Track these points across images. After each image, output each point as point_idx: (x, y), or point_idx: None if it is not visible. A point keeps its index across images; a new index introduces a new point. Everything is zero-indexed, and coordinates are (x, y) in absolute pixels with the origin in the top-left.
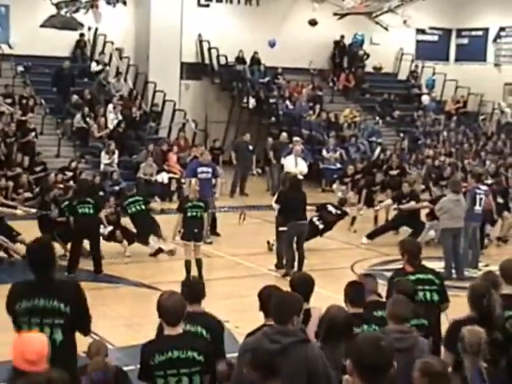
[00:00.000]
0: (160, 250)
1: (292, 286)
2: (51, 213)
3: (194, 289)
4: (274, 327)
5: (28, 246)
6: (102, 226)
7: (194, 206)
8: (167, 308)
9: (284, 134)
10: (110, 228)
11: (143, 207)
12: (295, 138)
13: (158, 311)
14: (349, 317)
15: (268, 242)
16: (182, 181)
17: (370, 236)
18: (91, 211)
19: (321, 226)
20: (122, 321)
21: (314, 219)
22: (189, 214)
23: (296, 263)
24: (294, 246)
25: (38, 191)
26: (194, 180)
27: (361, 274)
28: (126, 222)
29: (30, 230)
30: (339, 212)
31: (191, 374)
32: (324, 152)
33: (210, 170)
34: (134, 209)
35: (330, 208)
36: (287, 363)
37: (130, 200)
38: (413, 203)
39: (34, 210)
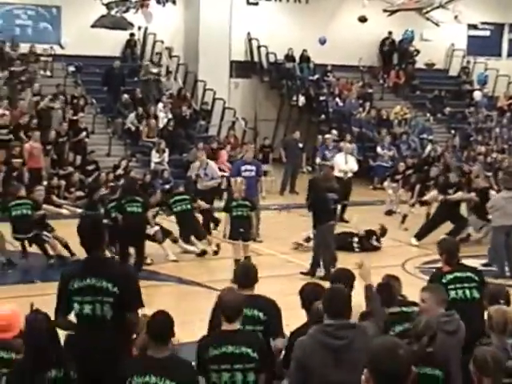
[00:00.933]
0: (204, 252)
1: (333, 281)
2: (97, 213)
3: (248, 273)
4: (331, 323)
5: (80, 223)
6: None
7: (239, 205)
8: (227, 304)
9: (334, 132)
10: (157, 228)
11: (189, 207)
12: (326, 136)
13: (218, 306)
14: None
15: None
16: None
17: (418, 236)
18: (139, 210)
19: (356, 250)
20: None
21: (354, 243)
22: (234, 214)
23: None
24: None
25: (86, 191)
26: (239, 179)
27: (385, 275)
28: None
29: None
30: (377, 244)
31: (245, 371)
32: (379, 149)
33: (253, 168)
34: (179, 207)
35: (374, 241)
36: (354, 355)
37: (177, 198)
38: (460, 194)
39: (79, 210)
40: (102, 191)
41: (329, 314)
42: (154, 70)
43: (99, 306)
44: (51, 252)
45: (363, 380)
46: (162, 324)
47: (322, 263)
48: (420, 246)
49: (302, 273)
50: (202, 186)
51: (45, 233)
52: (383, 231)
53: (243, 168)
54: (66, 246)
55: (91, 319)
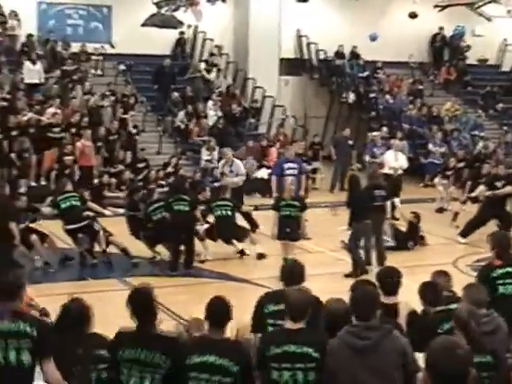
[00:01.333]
0: (243, 253)
1: (378, 279)
2: (139, 214)
3: (293, 271)
4: (357, 324)
5: (129, 294)
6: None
7: (287, 204)
8: (292, 303)
9: (384, 129)
10: (206, 226)
11: (229, 213)
12: (374, 133)
13: (284, 305)
14: (347, 309)
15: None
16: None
17: (463, 234)
18: (186, 208)
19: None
20: None
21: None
22: (282, 213)
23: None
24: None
25: (127, 191)
26: (290, 179)
27: (434, 271)
28: None
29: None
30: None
31: (306, 370)
32: (430, 146)
33: (296, 166)
34: (219, 212)
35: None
36: (379, 357)
37: (219, 203)
38: (509, 188)
39: (121, 211)
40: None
41: (355, 315)
42: (202, 67)
43: (149, 379)
44: (98, 248)
45: (421, 380)
46: (220, 308)
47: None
48: (471, 244)
49: (345, 275)
50: (226, 183)
51: (96, 224)
52: (417, 218)
53: (286, 166)
54: (123, 250)
55: None
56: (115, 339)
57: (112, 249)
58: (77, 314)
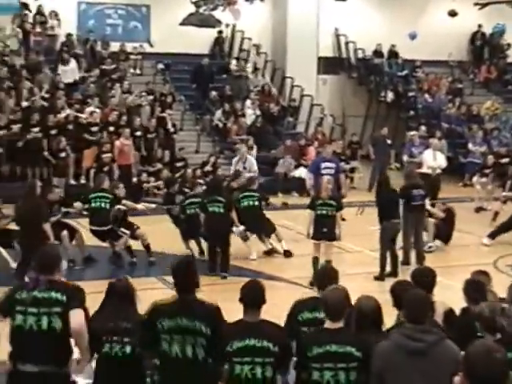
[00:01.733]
0: (273, 251)
1: (413, 279)
2: (173, 210)
3: (324, 274)
4: (410, 326)
5: (172, 265)
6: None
7: (324, 203)
8: (330, 302)
9: (422, 128)
10: (243, 227)
11: (256, 203)
12: (412, 132)
13: (322, 305)
14: (377, 306)
15: None
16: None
17: (492, 235)
18: (221, 210)
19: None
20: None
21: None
22: (318, 213)
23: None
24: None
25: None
26: (326, 178)
27: (474, 271)
28: None
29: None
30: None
31: (349, 370)
32: (470, 145)
33: (333, 165)
34: (246, 203)
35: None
36: (431, 362)
37: (245, 194)
38: None
39: (153, 206)
40: (178, 184)
41: (408, 318)
42: (235, 67)
43: (190, 349)
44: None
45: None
46: (255, 291)
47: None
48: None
49: (375, 278)
50: (241, 182)
51: (122, 229)
52: (451, 214)
53: (323, 165)
54: (147, 247)
55: (180, 359)
56: (152, 310)
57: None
58: (122, 290)
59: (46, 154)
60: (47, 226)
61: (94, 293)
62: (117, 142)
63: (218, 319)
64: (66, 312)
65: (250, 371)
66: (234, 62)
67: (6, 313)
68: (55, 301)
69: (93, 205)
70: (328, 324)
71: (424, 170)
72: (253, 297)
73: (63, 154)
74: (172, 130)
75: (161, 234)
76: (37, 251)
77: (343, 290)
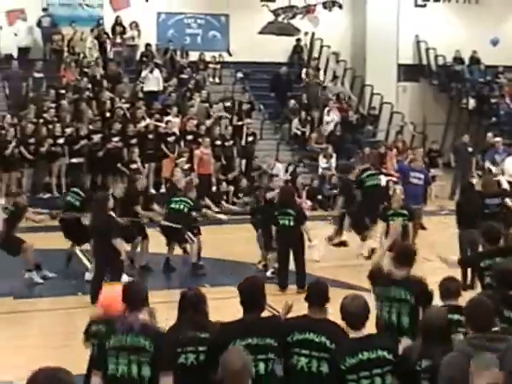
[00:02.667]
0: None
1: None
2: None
3: (405, 253)
4: (477, 336)
5: (240, 284)
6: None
7: (395, 213)
8: (350, 311)
9: (489, 135)
10: (315, 242)
11: (291, 223)
12: (496, 139)
13: (340, 313)
14: (445, 319)
15: None
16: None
17: None
18: (291, 223)
19: None
20: None
21: None
22: (391, 223)
23: None
24: None
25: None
26: (399, 188)
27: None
28: None
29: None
30: None
31: (384, 374)
32: None
33: (421, 176)
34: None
35: None
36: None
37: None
38: None
39: (224, 217)
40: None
41: (473, 327)
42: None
43: (262, 365)
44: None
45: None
46: (320, 289)
47: None
48: None
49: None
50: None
51: (189, 234)
52: None
53: (412, 175)
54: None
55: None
56: (222, 331)
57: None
58: (191, 298)
59: (119, 165)
60: (117, 242)
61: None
62: (197, 152)
63: (283, 331)
64: (154, 363)
65: (307, 364)
66: (304, 70)
67: (101, 366)
68: (143, 349)
69: (172, 205)
70: (353, 333)
71: (506, 177)
72: (318, 295)
73: (135, 166)
74: (250, 138)
75: (239, 242)
76: (109, 266)
77: (362, 298)
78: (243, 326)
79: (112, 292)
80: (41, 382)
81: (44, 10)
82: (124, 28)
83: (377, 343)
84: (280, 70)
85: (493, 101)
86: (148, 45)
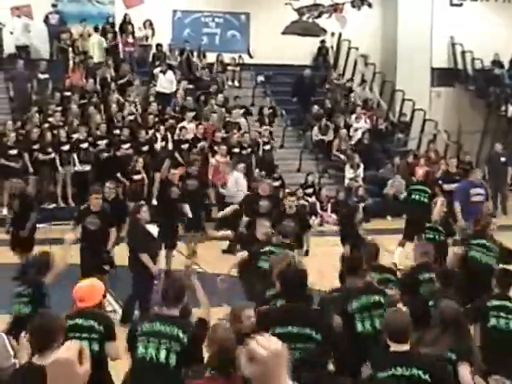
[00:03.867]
0: None
1: None
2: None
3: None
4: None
5: (283, 269)
6: None
7: (431, 228)
8: (391, 324)
9: None
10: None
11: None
12: None
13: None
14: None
15: None
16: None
17: None
18: None
19: None
20: None
21: None
22: (426, 236)
23: None
24: None
25: None
26: (440, 200)
27: None
28: None
29: None
30: None
31: None
32: None
33: (483, 192)
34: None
35: None
36: None
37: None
38: None
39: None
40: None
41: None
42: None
43: (297, 354)
44: None
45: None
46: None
47: None
48: None
49: None
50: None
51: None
52: None
53: (473, 191)
54: None
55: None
56: (264, 317)
57: None
58: None
59: (118, 174)
60: (145, 257)
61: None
62: (212, 160)
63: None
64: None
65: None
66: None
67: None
68: (176, 338)
69: None
70: (393, 347)
71: None
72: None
73: (138, 177)
74: (267, 147)
75: None
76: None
77: (406, 312)
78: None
79: (88, 286)
80: None
81: (53, 6)
82: (133, 26)
83: (415, 361)
84: (303, 72)
85: None
86: (159, 45)
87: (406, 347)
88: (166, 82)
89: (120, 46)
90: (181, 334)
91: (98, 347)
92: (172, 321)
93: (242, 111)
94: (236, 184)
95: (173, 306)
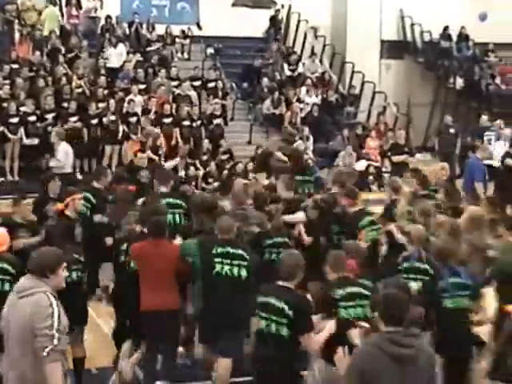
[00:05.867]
0: None
1: None
2: None
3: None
4: (394, 330)
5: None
6: None
7: None
8: (282, 264)
9: (484, 117)
10: None
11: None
12: (484, 117)
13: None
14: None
15: None
16: (383, 169)
17: None
18: None
19: None
20: None
21: None
22: None
23: None
24: None
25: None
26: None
27: None
28: None
29: None
30: None
31: None
32: None
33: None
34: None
35: None
36: (417, 368)
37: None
38: None
39: None
40: None
41: (388, 321)
42: None
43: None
44: None
45: None
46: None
47: None
48: None
49: None
50: None
51: None
52: None
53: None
54: None
55: None
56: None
57: None
58: None
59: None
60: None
61: None
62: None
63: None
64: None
65: None
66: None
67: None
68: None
69: None
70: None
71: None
72: None
73: None
74: (218, 121)
75: None
76: None
77: (296, 254)
78: None
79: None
80: None
81: None
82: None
83: (285, 296)
84: (253, 62)
85: (482, 81)
86: (108, 17)
87: (288, 284)
88: (116, 55)
89: (65, 18)
90: None
91: (8, 287)
92: None
93: (191, 84)
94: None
95: None
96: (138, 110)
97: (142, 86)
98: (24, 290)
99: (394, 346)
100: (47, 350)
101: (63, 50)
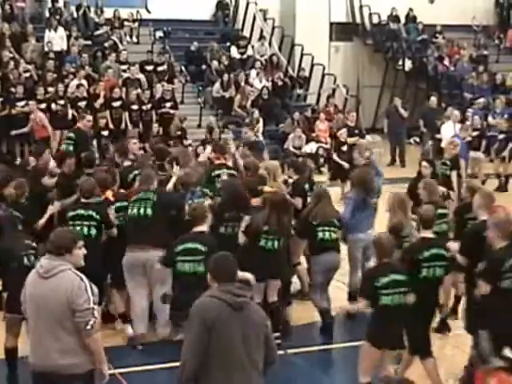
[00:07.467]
0: None
1: None
2: None
3: None
4: (227, 285)
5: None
6: None
7: None
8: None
9: (433, 99)
10: None
11: None
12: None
13: None
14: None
15: None
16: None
17: None
18: None
19: None
20: None
21: None
22: None
23: None
24: None
25: None
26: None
27: None
28: None
29: None
30: None
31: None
32: (490, 118)
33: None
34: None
35: None
36: (250, 315)
37: None
38: None
39: None
40: None
41: (222, 279)
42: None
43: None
44: None
45: None
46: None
47: None
48: None
49: None
50: None
51: None
52: None
53: None
54: None
55: None
56: None
57: None
58: None
59: (13, 132)
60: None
61: None
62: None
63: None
64: None
65: None
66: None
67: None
68: None
69: None
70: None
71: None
72: None
73: None
74: (168, 104)
75: None
76: None
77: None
78: None
79: None
80: None
81: None
82: None
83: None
84: (191, 46)
85: (430, 62)
86: (55, 0)
87: (201, 228)
88: (58, 38)
89: (12, 1)
90: None
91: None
92: None
93: (142, 68)
94: None
95: None
96: (85, 94)
97: (86, 71)
98: (48, 270)
99: (229, 295)
100: (91, 323)
101: (9, 33)
